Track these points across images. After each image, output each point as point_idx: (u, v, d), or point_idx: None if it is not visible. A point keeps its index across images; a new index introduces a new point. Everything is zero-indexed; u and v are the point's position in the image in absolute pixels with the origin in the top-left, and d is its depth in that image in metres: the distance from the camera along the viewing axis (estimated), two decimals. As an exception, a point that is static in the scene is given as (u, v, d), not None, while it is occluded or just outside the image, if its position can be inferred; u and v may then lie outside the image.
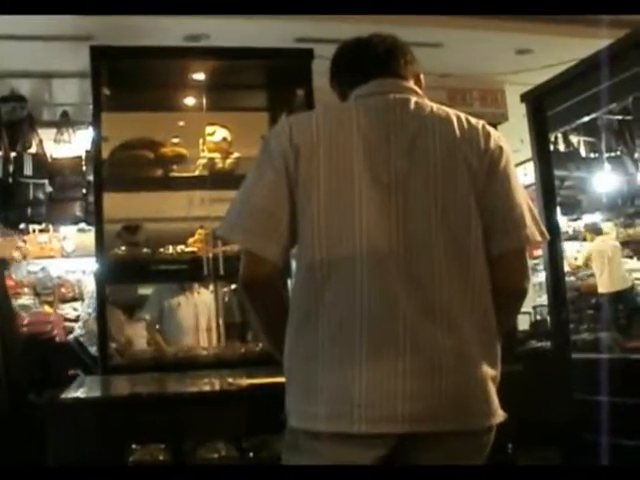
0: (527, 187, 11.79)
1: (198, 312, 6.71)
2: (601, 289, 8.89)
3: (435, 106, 2.45)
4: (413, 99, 2.45)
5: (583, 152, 8.50)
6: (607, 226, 9.73)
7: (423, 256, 2.28)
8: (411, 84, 2.53)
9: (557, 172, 6.57)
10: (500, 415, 2.33)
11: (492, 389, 2.32)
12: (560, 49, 6.77)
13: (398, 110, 2.41)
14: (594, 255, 9.29)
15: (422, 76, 2.61)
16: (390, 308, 2.24)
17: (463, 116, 2.45)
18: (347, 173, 2.30)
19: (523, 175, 11.56)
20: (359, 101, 2.46)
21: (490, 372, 2.32)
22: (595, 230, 9.45)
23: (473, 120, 2.46)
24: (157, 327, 6.67)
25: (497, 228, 2.39)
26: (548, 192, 5.74)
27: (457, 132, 2.40)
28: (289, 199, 2.31)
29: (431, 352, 2.24)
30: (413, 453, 2.29)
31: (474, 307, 2.33)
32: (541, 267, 10.50)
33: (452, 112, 2.45)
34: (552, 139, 7.08)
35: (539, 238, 2.45)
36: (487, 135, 2.44)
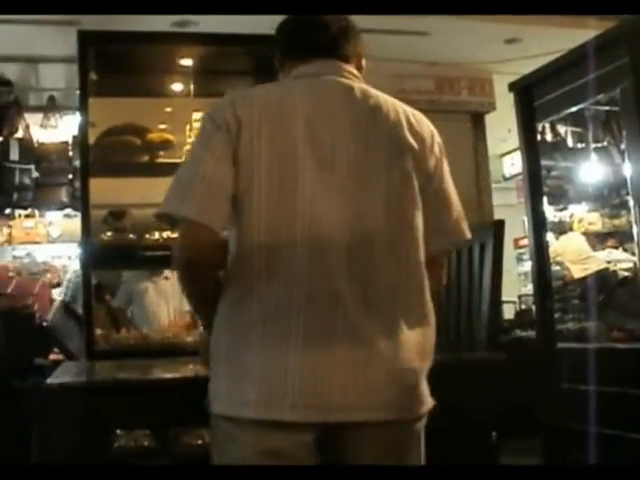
0: (514, 176, 11.83)
1: (167, 298, 6.70)
2: (577, 275, 8.94)
3: (382, 95, 2.43)
4: (357, 85, 2.41)
5: (570, 142, 8.49)
6: (593, 216, 9.75)
7: (365, 244, 2.27)
8: (352, 67, 2.48)
9: (544, 162, 6.58)
10: (429, 403, 2.34)
11: (422, 380, 2.33)
12: (549, 39, 6.80)
13: (343, 96, 2.38)
14: (560, 252, 9.32)
15: (364, 60, 2.57)
16: (329, 297, 2.21)
17: (410, 110, 2.45)
18: (289, 157, 2.27)
19: (510, 165, 11.65)
20: (302, 82, 2.42)
21: (423, 363, 2.33)
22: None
23: (419, 115, 2.47)
24: (128, 313, 6.68)
25: (432, 227, 2.40)
26: (535, 181, 5.77)
27: (405, 125, 2.38)
28: (233, 174, 2.26)
29: (366, 342, 2.22)
30: (341, 441, 2.26)
31: (413, 298, 2.33)
32: (527, 257, 10.57)
33: (399, 104, 2.45)
34: (539, 129, 7.06)
35: (468, 237, 2.49)
36: (432, 134, 2.45)
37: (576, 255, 9.05)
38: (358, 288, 2.24)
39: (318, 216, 2.24)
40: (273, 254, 2.23)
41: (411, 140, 2.37)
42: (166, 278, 6.78)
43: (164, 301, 6.73)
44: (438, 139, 2.46)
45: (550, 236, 8.33)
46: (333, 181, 2.27)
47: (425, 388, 2.33)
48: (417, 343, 2.31)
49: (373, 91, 2.43)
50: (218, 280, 2.39)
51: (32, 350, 6.23)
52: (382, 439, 2.26)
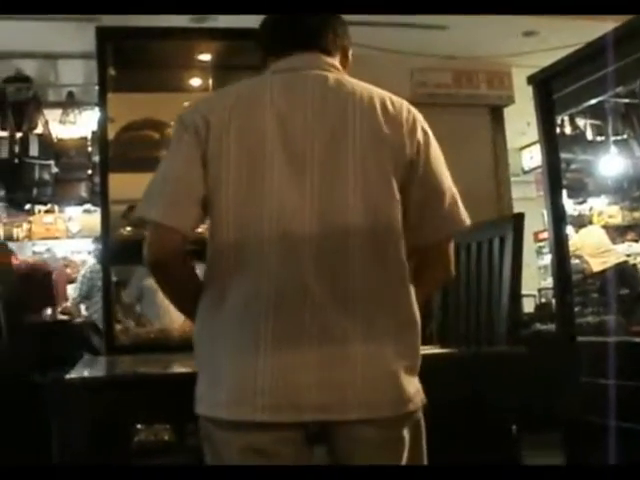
0: (533, 170, 11.79)
1: None
2: (596, 268, 8.92)
3: (357, 84, 2.37)
4: (332, 76, 2.36)
5: (589, 135, 8.47)
6: (613, 209, 9.73)
7: (337, 242, 2.22)
8: (334, 60, 2.43)
9: (563, 155, 6.55)
10: (415, 403, 2.27)
11: (405, 377, 2.25)
12: (567, 31, 6.76)
13: (317, 88, 2.32)
14: (579, 245, 9.30)
15: (350, 52, 2.52)
16: (298, 294, 2.18)
17: (387, 96, 2.37)
18: (259, 153, 2.24)
19: (529, 158, 11.61)
20: (277, 77, 2.38)
21: (403, 361, 2.26)
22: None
23: (397, 100, 2.38)
24: (137, 309, 6.69)
25: (426, 217, 2.35)
26: (554, 175, 5.73)
27: (380, 113, 2.31)
28: (202, 176, 2.25)
29: (338, 341, 2.18)
30: (327, 439, 2.25)
31: (388, 296, 2.27)
32: (546, 250, 10.54)
33: (376, 92, 2.37)
34: (558, 122, 7.04)
35: (467, 224, 2.39)
36: (413, 119, 2.36)
37: (595, 248, 9.03)
38: (329, 285, 2.19)
39: (287, 212, 2.20)
40: (242, 252, 2.21)
41: (386, 129, 2.29)
42: None
43: None
44: (421, 125, 2.36)
45: (570, 229, 8.33)
46: (304, 176, 2.23)
47: (408, 387, 2.25)
48: (394, 341, 2.24)
49: (348, 81, 2.37)
50: (193, 272, 2.41)
51: (52, 344, 6.25)
52: (365, 438, 2.22)
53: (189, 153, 2.26)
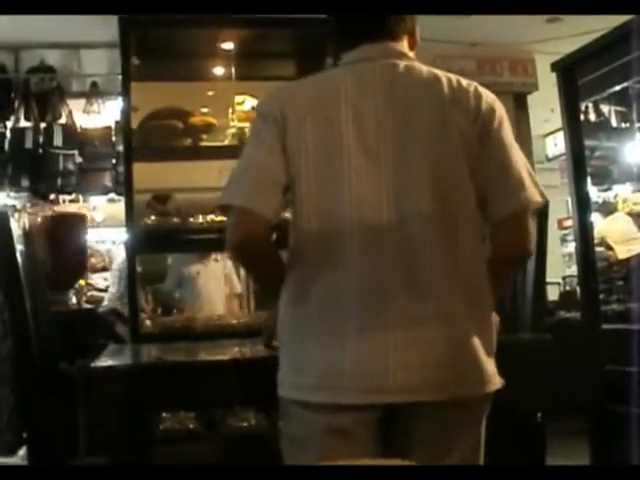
0: (557, 157, 11.72)
1: (217, 280, 6.75)
2: (621, 256, 8.88)
3: (425, 69, 2.42)
4: (402, 64, 2.41)
5: (614, 122, 8.43)
6: (638, 196, 9.67)
7: (413, 227, 2.28)
8: (402, 45, 2.47)
9: (588, 142, 6.51)
10: (496, 383, 2.34)
11: (485, 357, 2.32)
12: (590, 17, 6.71)
13: (387, 77, 2.38)
14: (604, 232, 9.25)
15: (417, 31, 2.54)
16: (380, 281, 2.24)
17: (454, 78, 2.42)
18: (336, 143, 2.30)
19: (553, 145, 11.56)
20: (348, 68, 2.43)
21: (481, 341, 2.31)
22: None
23: (464, 82, 2.43)
24: (176, 296, 6.74)
25: (496, 192, 2.37)
26: (578, 162, 5.70)
27: (448, 96, 2.37)
28: (284, 166, 2.32)
29: (420, 325, 2.24)
30: (405, 421, 2.31)
31: (465, 281, 2.32)
32: (571, 238, 10.49)
33: (443, 75, 2.42)
34: (583, 108, 7.01)
35: (539, 199, 2.40)
36: (479, 97, 2.40)
37: (621, 236, 8.97)
38: (408, 271, 2.26)
39: (365, 201, 2.27)
40: (324, 240, 2.29)
41: (454, 112, 2.36)
42: (215, 260, 6.82)
43: (215, 283, 6.78)
44: (490, 105, 2.41)
45: (597, 217, 8.30)
46: (379, 165, 2.30)
47: (488, 367, 2.33)
48: (473, 323, 2.31)
49: (417, 67, 2.43)
50: (277, 256, 2.46)
51: (77, 333, 6.29)
52: (448, 418, 2.30)
53: (270, 142, 2.35)
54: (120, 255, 7.80)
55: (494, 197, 2.38)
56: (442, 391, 2.25)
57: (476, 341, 2.30)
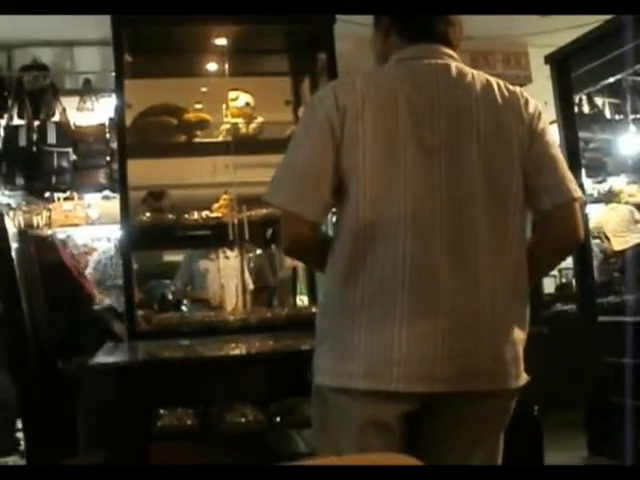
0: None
1: (228, 276, 6.77)
2: (617, 247, 8.88)
3: (476, 72, 2.49)
4: (454, 65, 2.47)
5: (608, 114, 8.43)
6: (632, 188, 9.67)
7: (465, 221, 2.33)
8: (452, 51, 2.54)
9: (581, 134, 6.53)
10: (525, 378, 2.40)
11: (521, 352, 2.38)
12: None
13: (441, 76, 2.44)
14: (603, 222, 9.25)
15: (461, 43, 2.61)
16: (430, 271, 2.29)
17: (502, 83, 2.50)
18: (392, 137, 2.34)
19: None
20: (402, 65, 2.48)
21: (520, 335, 2.38)
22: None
23: (511, 87, 2.52)
24: (189, 289, 6.80)
25: (548, 183, 2.44)
26: (573, 154, 5.71)
27: (499, 98, 2.44)
28: (333, 161, 2.34)
29: (467, 315, 2.30)
30: (441, 411, 2.35)
31: (510, 272, 2.38)
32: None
33: (492, 79, 2.50)
34: (576, 101, 7.02)
35: (580, 194, 2.47)
36: (526, 101, 2.49)
37: (617, 226, 8.96)
38: (456, 263, 2.31)
39: (419, 195, 2.31)
40: (377, 231, 2.32)
41: (504, 112, 2.43)
42: (226, 257, 6.84)
43: (226, 280, 6.80)
44: (536, 108, 2.51)
45: (599, 207, 8.32)
46: (433, 160, 2.34)
47: (522, 360, 2.39)
48: (514, 314, 2.38)
49: (468, 69, 2.49)
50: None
51: (73, 330, 6.29)
52: (481, 410, 2.35)
53: (319, 141, 2.37)
54: (99, 250, 7.82)
55: (547, 187, 2.43)
56: (484, 381, 2.31)
57: (517, 336, 2.37)
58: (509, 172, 2.40)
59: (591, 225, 9.30)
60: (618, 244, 8.83)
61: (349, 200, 2.35)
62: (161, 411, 3.37)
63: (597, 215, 8.84)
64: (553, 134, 2.58)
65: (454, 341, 2.27)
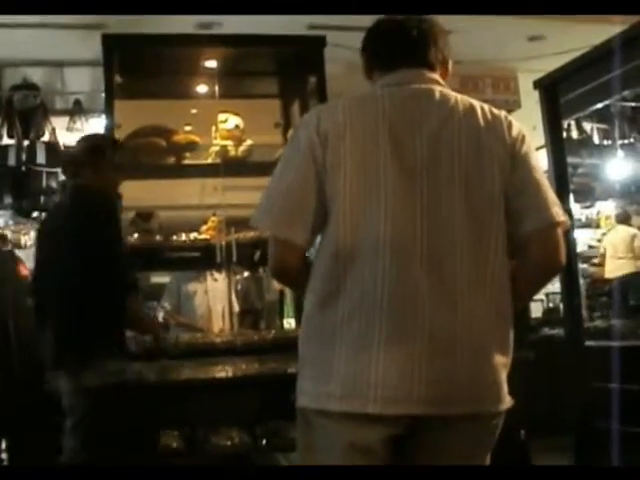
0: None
1: (215, 299, 6.77)
2: (608, 275, 8.91)
3: (459, 96, 2.49)
4: (437, 89, 2.48)
5: (596, 139, 8.47)
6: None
7: (445, 243, 2.33)
8: (436, 75, 2.55)
9: (570, 159, 6.53)
10: (508, 401, 2.38)
11: (503, 376, 2.36)
12: (573, 35, 6.75)
13: (423, 100, 2.45)
14: (607, 245, 9.31)
15: (451, 62, 2.63)
16: (410, 293, 2.28)
17: (486, 107, 2.50)
18: (373, 160, 2.35)
19: (536, 162, 11.61)
20: (387, 90, 2.49)
21: (502, 359, 2.36)
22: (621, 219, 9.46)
23: (495, 111, 2.51)
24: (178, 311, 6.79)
25: (529, 207, 2.43)
26: (561, 179, 5.72)
27: (481, 122, 2.44)
28: (316, 186, 2.35)
29: (447, 337, 2.28)
30: (424, 435, 2.33)
31: (491, 295, 2.36)
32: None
33: (476, 103, 2.50)
34: (565, 126, 7.04)
35: (563, 218, 2.45)
36: (510, 125, 2.49)
37: (614, 250, 9.00)
38: (438, 287, 2.30)
39: (400, 218, 2.31)
40: (357, 253, 2.32)
41: (486, 136, 2.43)
42: (214, 280, 6.85)
43: (214, 302, 6.80)
44: (520, 132, 2.50)
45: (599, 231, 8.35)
46: (414, 183, 2.35)
47: (504, 384, 2.37)
48: (495, 338, 2.36)
49: (451, 94, 2.49)
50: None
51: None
52: (464, 434, 2.33)
53: (302, 168, 2.38)
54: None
55: (528, 211, 2.43)
56: (463, 405, 2.28)
57: (499, 360, 2.35)
58: (489, 195, 2.39)
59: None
60: (611, 271, 8.86)
61: (330, 222, 2.36)
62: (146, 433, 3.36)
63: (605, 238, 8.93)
64: (538, 158, 2.57)
65: (432, 363, 2.25)
